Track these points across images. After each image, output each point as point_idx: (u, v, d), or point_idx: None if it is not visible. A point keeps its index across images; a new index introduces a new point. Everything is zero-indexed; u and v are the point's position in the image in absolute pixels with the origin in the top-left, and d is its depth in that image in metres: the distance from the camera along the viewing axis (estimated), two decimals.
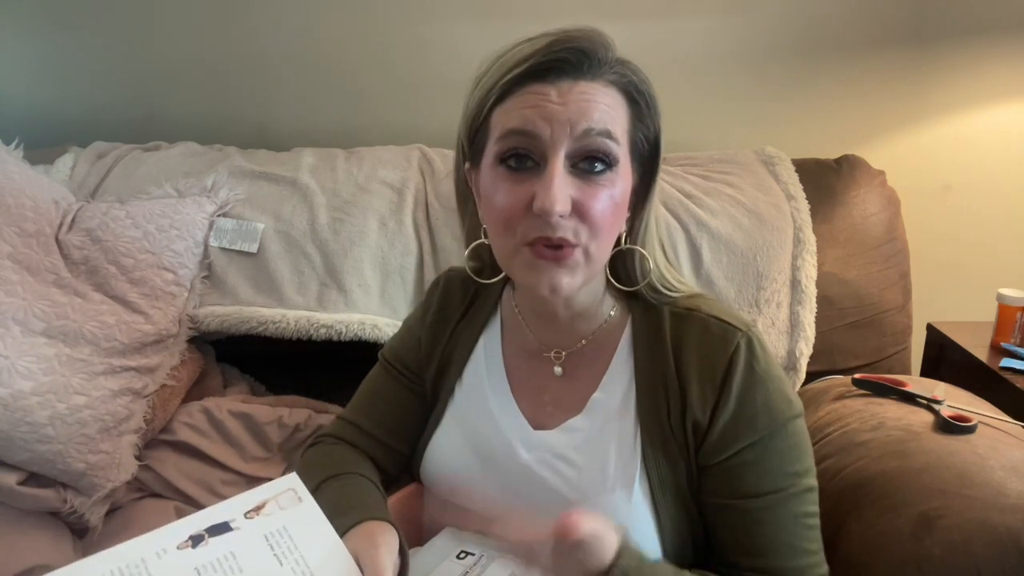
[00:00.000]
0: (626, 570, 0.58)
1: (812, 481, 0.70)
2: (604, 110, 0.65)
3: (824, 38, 1.56)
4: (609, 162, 0.65)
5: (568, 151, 0.64)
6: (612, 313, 0.77)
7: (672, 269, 0.76)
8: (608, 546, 0.58)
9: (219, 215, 1.32)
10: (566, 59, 0.64)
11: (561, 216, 0.63)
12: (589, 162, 0.65)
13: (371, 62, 1.62)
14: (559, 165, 0.63)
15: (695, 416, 0.69)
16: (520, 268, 0.68)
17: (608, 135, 0.65)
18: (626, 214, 0.71)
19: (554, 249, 0.65)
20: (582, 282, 0.68)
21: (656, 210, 0.74)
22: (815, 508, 0.70)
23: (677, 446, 0.70)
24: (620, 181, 0.67)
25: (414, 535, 0.83)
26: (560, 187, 0.63)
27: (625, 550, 0.60)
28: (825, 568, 0.70)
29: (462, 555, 0.71)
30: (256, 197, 1.35)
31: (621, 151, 0.67)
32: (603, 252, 0.69)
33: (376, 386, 0.89)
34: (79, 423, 1.03)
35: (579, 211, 0.65)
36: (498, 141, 0.66)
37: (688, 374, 0.71)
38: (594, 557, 0.57)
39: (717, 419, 0.69)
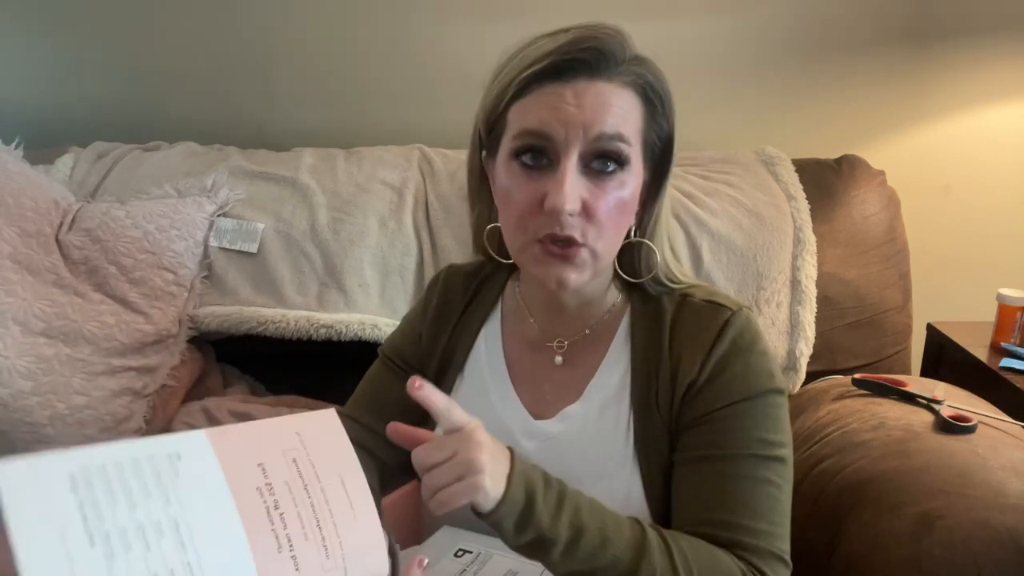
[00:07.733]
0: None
1: (783, 453, 0.69)
2: (617, 113, 0.66)
3: (824, 38, 1.56)
4: (620, 163, 0.67)
5: (581, 152, 0.66)
6: (615, 302, 0.78)
7: (677, 263, 0.78)
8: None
9: (219, 215, 1.32)
10: (583, 59, 0.65)
11: (570, 215, 0.65)
12: (601, 162, 0.66)
13: (371, 62, 1.62)
14: (571, 166, 0.65)
15: (686, 379, 0.71)
16: (530, 262, 0.70)
17: (620, 138, 0.66)
18: (635, 212, 0.72)
19: (562, 247, 0.67)
20: (589, 278, 0.70)
21: (666, 206, 0.76)
22: (783, 483, 0.68)
23: (664, 424, 0.72)
24: (630, 181, 0.68)
25: (412, 534, 0.83)
26: (571, 187, 0.65)
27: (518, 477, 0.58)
28: (786, 548, 0.67)
29: (460, 553, 0.71)
30: (256, 197, 1.35)
31: (633, 152, 0.68)
32: (610, 250, 0.70)
33: (377, 382, 0.89)
34: (79, 423, 1.04)
35: (587, 211, 0.66)
36: (514, 138, 0.68)
37: (680, 352, 0.72)
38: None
39: (700, 378, 0.70)
